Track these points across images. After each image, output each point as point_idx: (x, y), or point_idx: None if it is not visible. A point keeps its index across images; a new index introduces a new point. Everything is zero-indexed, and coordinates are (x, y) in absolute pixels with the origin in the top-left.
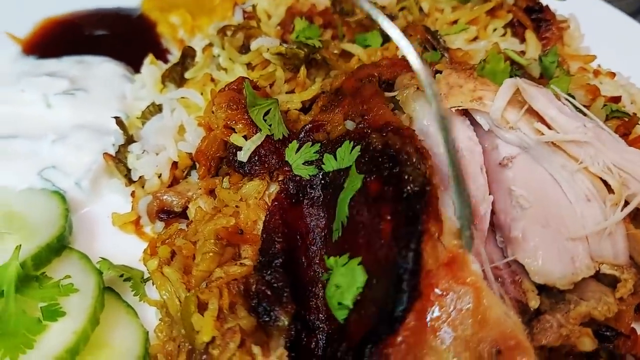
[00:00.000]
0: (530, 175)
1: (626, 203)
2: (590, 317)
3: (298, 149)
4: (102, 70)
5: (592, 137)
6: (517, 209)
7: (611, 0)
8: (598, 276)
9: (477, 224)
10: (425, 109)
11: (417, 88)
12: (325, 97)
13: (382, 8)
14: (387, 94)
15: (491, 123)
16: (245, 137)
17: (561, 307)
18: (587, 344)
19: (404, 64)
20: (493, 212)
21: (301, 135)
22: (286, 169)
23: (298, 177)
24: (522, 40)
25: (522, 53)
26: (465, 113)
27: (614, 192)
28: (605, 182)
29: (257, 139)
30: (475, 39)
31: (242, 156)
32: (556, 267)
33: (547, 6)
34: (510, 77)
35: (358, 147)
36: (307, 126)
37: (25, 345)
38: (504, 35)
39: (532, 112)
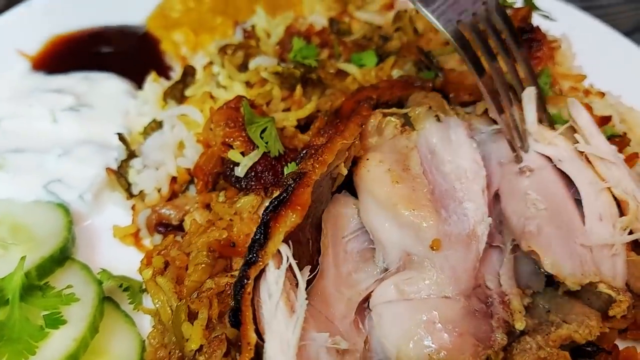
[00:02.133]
0: (547, 185)
1: (631, 232)
2: (570, 340)
3: None
4: (107, 86)
5: (621, 161)
6: (532, 209)
7: (607, 20)
8: (592, 294)
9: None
10: (434, 129)
11: (430, 107)
12: (322, 119)
13: (379, 28)
14: (399, 110)
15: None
16: (243, 154)
17: (543, 329)
18: None
19: (402, 85)
20: (504, 217)
21: (298, 160)
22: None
23: None
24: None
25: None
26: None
27: (625, 215)
28: (618, 206)
29: (254, 156)
30: None
31: (240, 172)
32: (567, 264)
33: (537, 27)
34: None
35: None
36: (304, 151)
37: (28, 351)
38: (496, 55)
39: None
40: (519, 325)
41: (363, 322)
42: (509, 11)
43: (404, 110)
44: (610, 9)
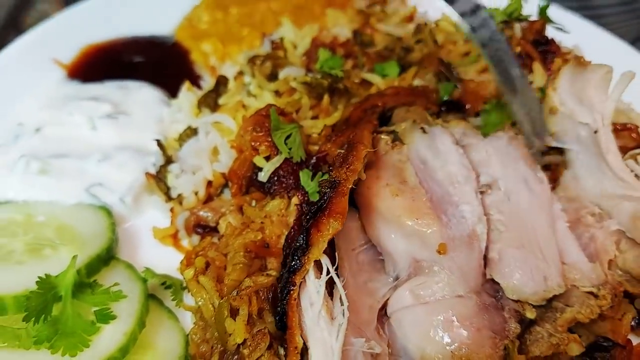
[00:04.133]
0: (511, 201)
1: None
2: (576, 321)
3: (313, 176)
4: (141, 95)
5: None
6: (495, 232)
7: (612, 29)
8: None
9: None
10: (422, 140)
11: (414, 121)
12: (328, 128)
13: (400, 40)
14: (387, 128)
15: None
16: (268, 159)
17: (549, 316)
18: (575, 349)
19: (407, 92)
20: None
21: (310, 166)
22: (302, 190)
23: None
24: (530, 71)
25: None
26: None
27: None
28: None
29: (276, 161)
30: (485, 69)
31: (263, 177)
32: (529, 286)
33: (552, 39)
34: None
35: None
36: (314, 157)
37: (83, 344)
38: None
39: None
40: (530, 314)
41: (383, 328)
42: (524, 24)
43: (391, 128)
44: (611, 17)
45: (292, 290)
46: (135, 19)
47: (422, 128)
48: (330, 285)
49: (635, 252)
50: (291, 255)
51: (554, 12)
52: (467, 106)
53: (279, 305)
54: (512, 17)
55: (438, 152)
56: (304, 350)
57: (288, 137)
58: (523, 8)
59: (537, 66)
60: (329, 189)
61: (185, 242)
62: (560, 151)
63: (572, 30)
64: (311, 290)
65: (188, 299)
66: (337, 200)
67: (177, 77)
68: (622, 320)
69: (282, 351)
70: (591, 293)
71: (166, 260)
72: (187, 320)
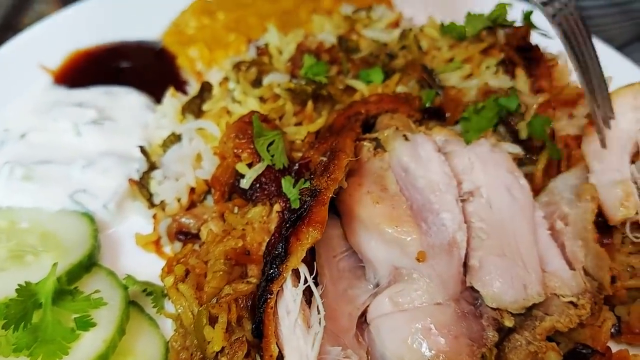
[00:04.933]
0: (493, 208)
1: None
2: (555, 330)
3: (295, 183)
4: (127, 100)
5: None
6: (477, 240)
7: (603, 31)
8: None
9: (454, 250)
10: (403, 148)
11: (397, 128)
12: (311, 135)
13: (385, 46)
14: (369, 135)
15: None
16: (250, 165)
17: (529, 324)
18: (553, 357)
19: (390, 99)
20: None
21: (293, 173)
22: (283, 197)
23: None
24: (513, 76)
25: (512, 89)
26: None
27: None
28: None
29: (258, 168)
30: (469, 76)
31: (245, 183)
32: (508, 294)
33: (536, 45)
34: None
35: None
36: (297, 164)
37: (62, 351)
38: (496, 72)
39: None
40: (508, 323)
41: (362, 335)
42: (508, 30)
43: (374, 135)
44: (601, 19)
45: (269, 298)
46: (123, 25)
47: (404, 135)
48: (309, 293)
49: (592, 258)
50: (270, 263)
51: (540, 17)
52: (447, 114)
53: (256, 314)
54: (496, 23)
55: (420, 160)
56: (280, 359)
57: (271, 144)
58: (508, 14)
59: (520, 72)
60: (309, 198)
61: (168, 249)
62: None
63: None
64: (288, 299)
65: (170, 306)
66: (317, 210)
67: (163, 82)
68: (601, 327)
69: (259, 359)
70: (571, 302)
71: (148, 267)
72: (168, 327)
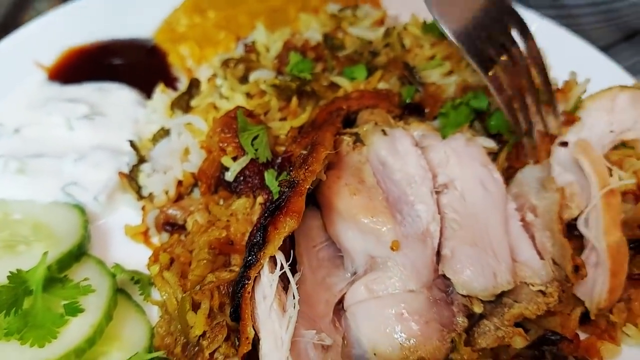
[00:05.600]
0: (466, 200)
1: None
2: (523, 317)
3: (278, 176)
4: (118, 96)
5: None
6: (449, 230)
7: (587, 31)
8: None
9: (428, 240)
10: (382, 142)
11: (376, 123)
12: (294, 129)
13: (370, 43)
14: (349, 130)
15: None
16: (235, 159)
17: (498, 311)
18: (519, 341)
19: (371, 95)
20: None
21: (276, 166)
22: (267, 190)
23: None
24: None
25: (480, 90)
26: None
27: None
28: None
29: (242, 162)
30: (449, 73)
31: (230, 176)
32: (478, 282)
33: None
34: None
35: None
36: (280, 158)
37: (51, 335)
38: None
39: None
40: (477, 309)
41: (340, 321)
42: None
43: (354, 130)
44: (585, 18)
45: (247, 283)
46: (117, 23)
47: (383, 130)
48: (287, 280)
49: (558, 248)
50: (248, 250)
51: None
52: (426, 110)
53: (234, 298)
54: None
55: (397, 154)
56: (257, 341)
57: (255, 138)
58: None
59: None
60: (287, 189)
61: (156, 239)
62: None
63: (541, 35)
64: (265, 284)
65: (156, 294)
66: (294, 200)
67: (155, 79)
68: (570, 315)
69: (238, 342)
70: (540, 291)
71: (137, 257)
72: (155, 314)
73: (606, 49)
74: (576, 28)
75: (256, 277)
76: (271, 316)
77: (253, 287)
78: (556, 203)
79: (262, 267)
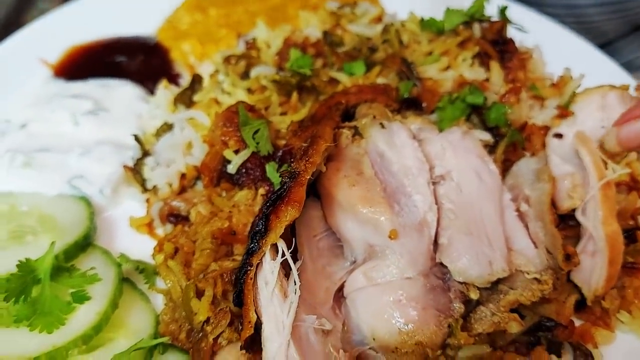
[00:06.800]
0: (462, 190)
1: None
2: (518, 303)
3: (279, 168)
4: (122, 92)
5: None
6: (446, 220)
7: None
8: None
9: (425, 229)
10: (380, 135)
11: (374, 117)
12: (295, 123)
13: (369, 40)
14: (349, 123)
15: None
16: (237, 152)
17: (494, 297)
18: (514, 327)
19: (370, 90)
20: None
21: (277, 159)
22: (268, 182)
23: None
24: (488, 68)
25: (487, 80)
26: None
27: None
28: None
29: (244, 155)
30: (447, 68)
31: (231, 169)
32: (474, 269)
33: (510, 39)
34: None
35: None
36: (281, 151)
37: (59, 322)
38: (471, 65)
39: None
40: (473, 295)
41: (340, 308)
42: (485, 24)
43: (353, 123)
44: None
45: (249, 270)
46: (120, 21)
47: (381, 123)
48: (288, 268)
49: (549, 238)
50: (251, 238)
51: (517, 12)
52: (424, 104)
53: (237, 284)
54: (474, 17)
55: (395, 146)
56: (259, 325)
57: (256, 132)
58: (485, 9)
59: (495, 65)
60: (288, 179)
61: (160, 231)
62: None
63: (535, 30)
64: (267, 271)
65: (160, 283)
66: (295, 190)
67: (158, 75)
68: (565, 302)
69: (241, 327)
70: (535, 279)
71: (141, 247)
72: (159, 302)
73: (615, 41)
74: (586, 24)
75: (258, 264)
76: (273, 301)
77: (255, 273)
78: (547, 194)
79: (264, 254)
